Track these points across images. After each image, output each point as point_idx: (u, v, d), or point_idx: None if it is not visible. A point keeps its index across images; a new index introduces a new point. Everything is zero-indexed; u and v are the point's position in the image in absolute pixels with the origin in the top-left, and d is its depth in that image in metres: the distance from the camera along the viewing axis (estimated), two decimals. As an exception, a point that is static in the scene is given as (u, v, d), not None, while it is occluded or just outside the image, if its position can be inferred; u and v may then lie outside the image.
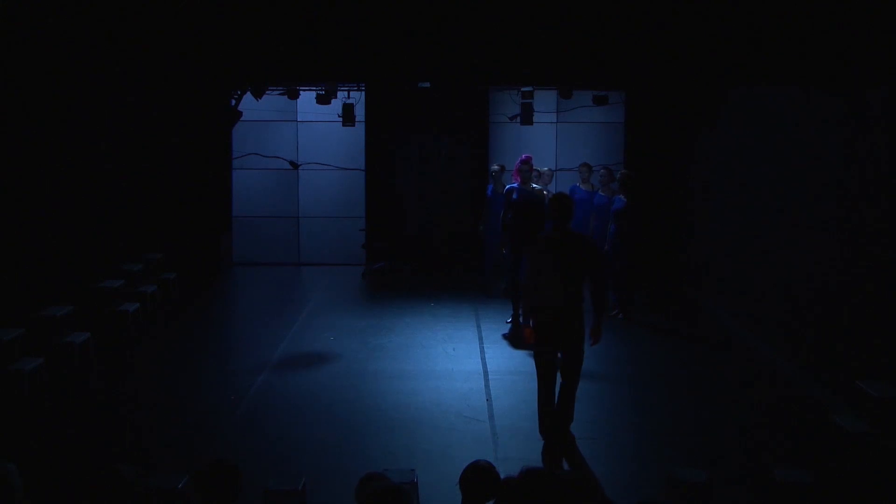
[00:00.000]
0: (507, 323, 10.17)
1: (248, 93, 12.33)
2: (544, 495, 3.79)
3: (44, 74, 9.05)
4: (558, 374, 6.74)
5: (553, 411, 6.69)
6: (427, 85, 12.40)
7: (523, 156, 10.25)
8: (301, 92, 13.01)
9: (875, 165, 7.19)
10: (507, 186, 10.37)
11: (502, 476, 4.05)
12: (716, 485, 5.48)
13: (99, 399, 7.98)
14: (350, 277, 13.16)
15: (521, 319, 10.11)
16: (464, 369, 8.75)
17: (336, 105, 13.11)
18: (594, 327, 6.75)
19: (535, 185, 10.21)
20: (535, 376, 6.69)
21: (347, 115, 12.99)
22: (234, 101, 12.62)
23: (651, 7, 10.21)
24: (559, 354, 6.69)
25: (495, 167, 11.91)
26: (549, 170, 11.98)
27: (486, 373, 8.64)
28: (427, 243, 14.00)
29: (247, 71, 11.88)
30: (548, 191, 11.21)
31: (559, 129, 14.10)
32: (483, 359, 9.11)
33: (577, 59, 11.40)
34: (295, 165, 13.89)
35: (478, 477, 3.99)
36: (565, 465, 6.50)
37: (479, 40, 11.01)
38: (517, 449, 6.70)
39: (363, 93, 13.41)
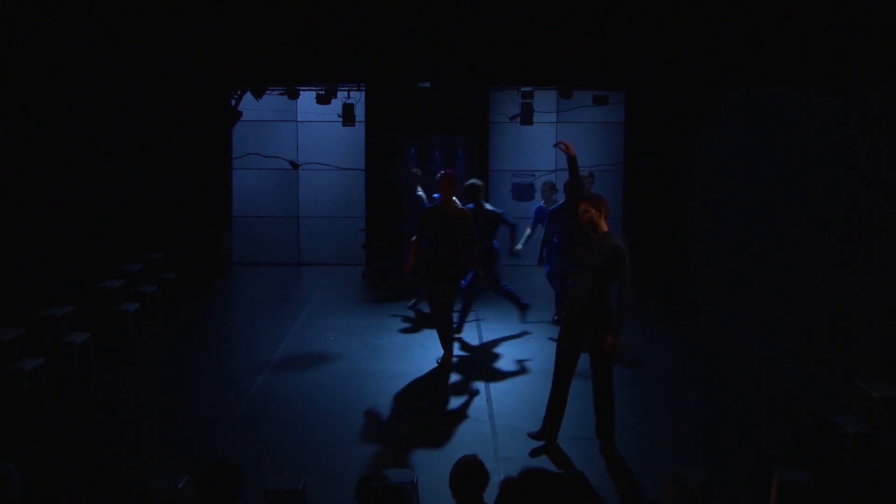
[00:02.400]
0: (437, 362, 8.82)
1: (248, 93, 12.34)
2: (544, 495, 3.79)
3: (44, 74, 9.05)
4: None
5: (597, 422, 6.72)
6: (427, 85, 12.40)
7: (447, 170, 8.82)
8: (301, 92, 13.02)
9: (875, 165, 7.20)
10: (429, 205, 9.07)
11: (502, 476, 4.05)
12: (716, 485, 5.48)
13: (99, 399, 7.98)
14: (350, 277, 13.17)
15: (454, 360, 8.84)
16: (464, 369, 8.75)
17: (336, 105, 13.12)
18: (610, 331, 6.48)
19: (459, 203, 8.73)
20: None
21: (347, 115, 13.00)
22: (234, 101, 12.63)
23: (651, 7, 10.21)
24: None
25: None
26: (591, 172, 11.46)
27: (486, 373, 8.64)
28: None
29: (247, 71, 11.88)
30: (556, 197, 10.55)
31: (559, 129, 14.09)
32: (483, 359, 9.11)
33: (577, 59, 11.40)
34: (295, 165, 13.89)
35: (466, 471, 3.99)
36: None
37: (479, 40, 11.00)
38: (517, 449, 6.71)
39: (363, 93, 13.42)
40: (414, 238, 8.70)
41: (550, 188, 10.87)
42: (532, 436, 6.79)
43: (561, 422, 6.77)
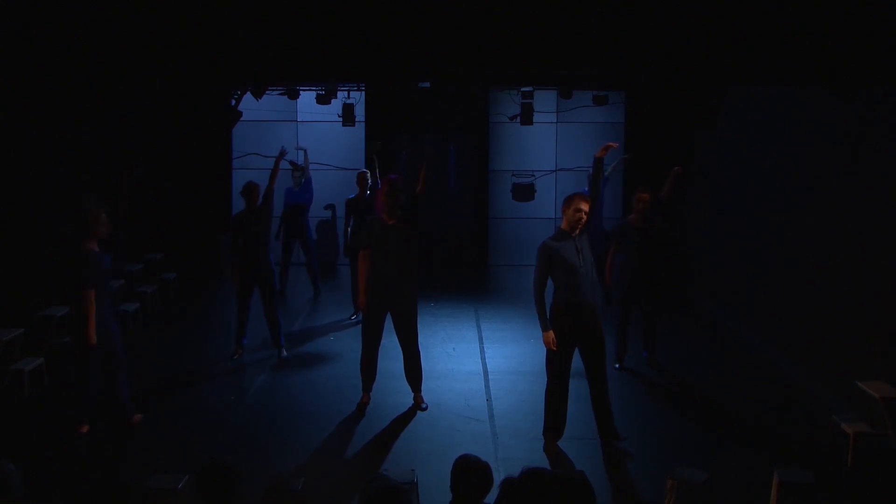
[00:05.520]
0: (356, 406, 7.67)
1: (248, 93, 12.33)
2: (544, 495, 3.78)
3: (43, 75, 9.05)
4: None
5: (599, 419, 6.76)
6: (427, 85, 12.40)
7: (390, 176, 7.61)
8: (301, 92, 13.02)
9: (875, 165, 7.20)
10: (369, 218, 7.77)
11: (503, 476, 4.04)
12: (716, 485, 5.48)
13: (99, 399, 7.97)
14: (348, 277, 13.14)
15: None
16: (464, 369, 8.75)
17: (336, 105, 13.12)
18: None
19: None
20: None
21: (347, 115, 13.00)
22: (234, 101, 12.62)
23: (651, 7, 10.21)
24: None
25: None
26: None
27: (486, 373, 8.64)
28: (427, 243, 14.00)
29: (247, 71, 11.87)
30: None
31: (559, 129, 14.10)
32: (483, 359, 9.11)
33: (577, 59, 11.39)
34: (295, 165, 13.87)
35: (470, 470, 3.99)
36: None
37: (479, 40, 11.00)
38: (517, 449, 6.71)
39: (363, 93, 13.42)
40: (360, 260, 7.43)
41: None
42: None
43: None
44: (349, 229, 10.45)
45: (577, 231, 6.52)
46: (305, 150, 12.20)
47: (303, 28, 10.75)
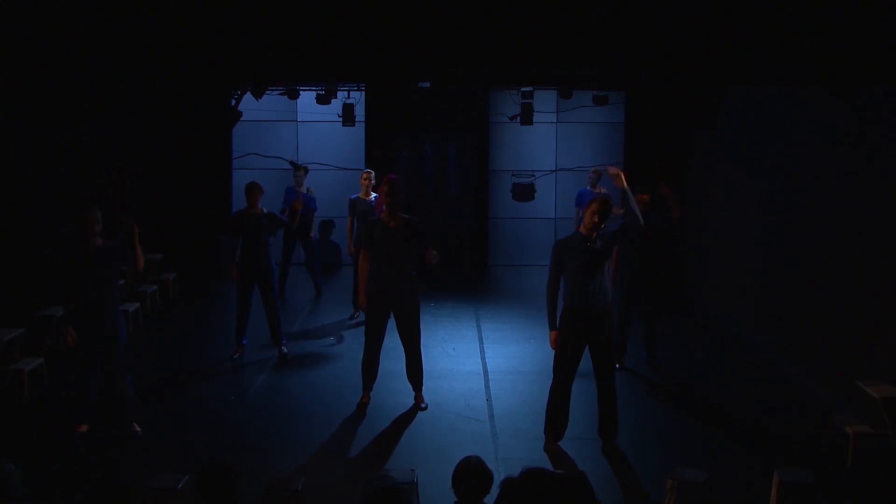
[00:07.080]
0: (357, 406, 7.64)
1: (248, 93, 12.34)
2: (544, 495, 3.78)
3: (43, 75, 9.04)
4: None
5: (602, 418, 6.75)
6: (427, 85, 12.41)
7: (389, 175, 7.57)
8: (301, 92, 13.03)
9: (876, 166, 7.20)
10: (370, 218, 7.95)
11: (503, 476, 4.04)
12: (716, 485, 5.48)
13: (99, 400, 7.97)
14: (350, 277, 13.14)
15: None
16: (464, 369, 8.75)
17: (336, 105, 13.12)
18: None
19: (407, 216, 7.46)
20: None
21: (347, 115, 13.00)
22: (234, 101, 12.62)
23: (651, 7, 10.20)
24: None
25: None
26: (596, 170, 12.06)
27: (486, 373, 8.65)
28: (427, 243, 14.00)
29: (247, 71, 11.87)
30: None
31: (559, 129, 14.10)
32: (483, 359, 9.11)
33: (577, 59, 11.38)
34: (296, 166, 13.88)
35: (470, 473, 4.00)
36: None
37: (479, 40, 10.99)
38: (517, 449, 6.71)
39: (363, 93, 13.42)
40: (360, 258, 7.45)
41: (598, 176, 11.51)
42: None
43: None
44: (353, 229, 10.46)
45: (594, 234, 6.49)
46: (309, 190, 12.10)
47: (303, 28, 10.73)
